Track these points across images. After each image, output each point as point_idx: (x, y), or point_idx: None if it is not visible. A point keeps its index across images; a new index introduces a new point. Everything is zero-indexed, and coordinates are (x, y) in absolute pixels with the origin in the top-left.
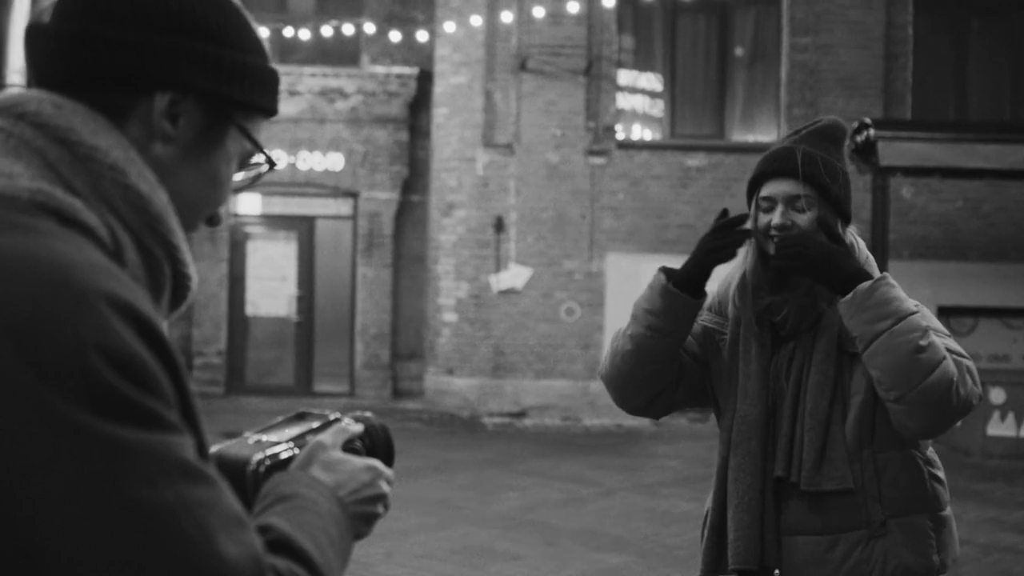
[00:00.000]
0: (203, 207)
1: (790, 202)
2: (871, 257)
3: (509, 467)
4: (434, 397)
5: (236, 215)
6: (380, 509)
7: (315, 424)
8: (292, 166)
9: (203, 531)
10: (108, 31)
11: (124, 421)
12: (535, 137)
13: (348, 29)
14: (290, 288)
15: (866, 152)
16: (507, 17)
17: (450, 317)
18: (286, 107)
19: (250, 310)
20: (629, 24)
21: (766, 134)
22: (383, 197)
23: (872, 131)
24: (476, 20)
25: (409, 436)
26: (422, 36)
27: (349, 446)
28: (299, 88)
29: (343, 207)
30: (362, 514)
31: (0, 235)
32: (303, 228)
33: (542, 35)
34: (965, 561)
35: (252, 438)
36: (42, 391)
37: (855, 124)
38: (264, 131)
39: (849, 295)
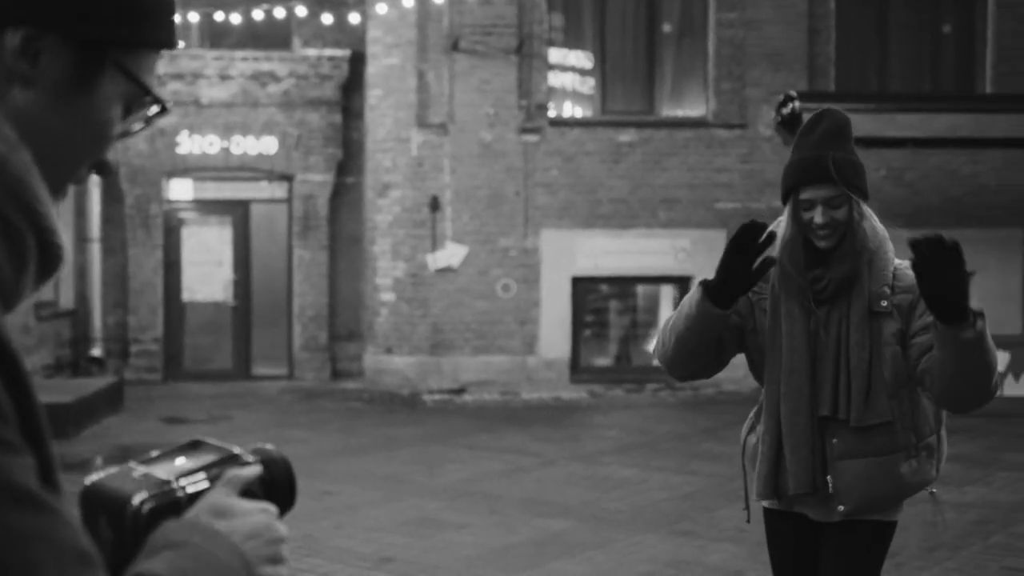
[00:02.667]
0: (77, 159)
1: (828, 202)
2: (884, 230)
3: (451, 441)
4: (374, 376)
5: (170, 201)
6: (284, 551)
7: (209, 458)
8: (226, 150)
9: (29, 568)
10: None
11: None
12: (468, 116)
13: (279, 12)
14: (226, 273)
15: (792, 124)
16: None
17: (388, 297)
18: (218, 92)
19: (186, 296)
20: (559, 2)
21: (695, 109)
22: (318, 179)
23: (798, 103)
24: (408, 1)
25: (351, 415)
26: (354, 18)
27: (246, 491)
28: (231, 72)
29: (278, 190)
30: (266, 557)
31: None
32: (238, 212)
33: (473, 15)
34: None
35: (138, 470)
36: None
37: (781, 97)
38: (197, 116)
39: (967, 334)
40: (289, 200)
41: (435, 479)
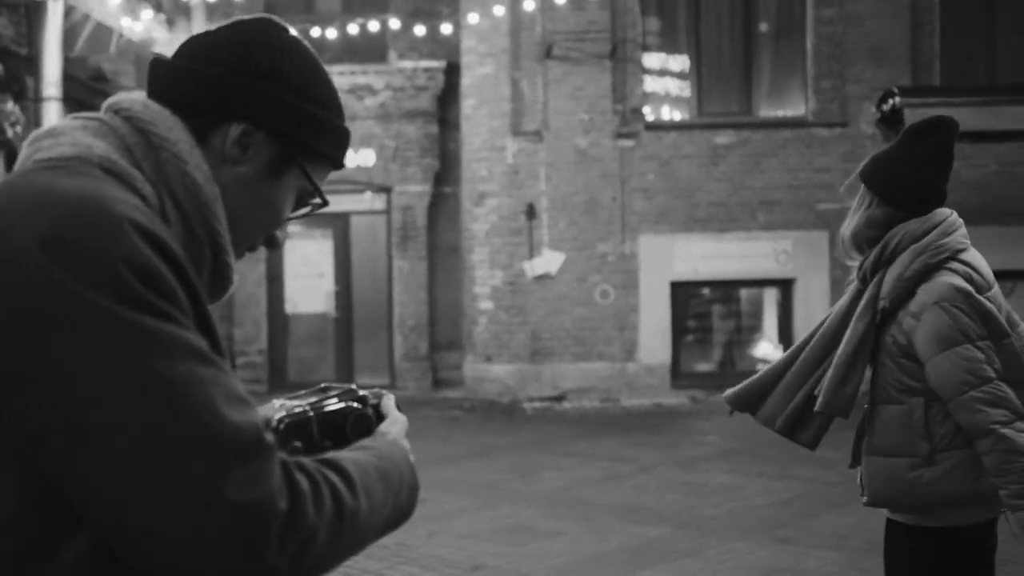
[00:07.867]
0: (257, 227)
1: None
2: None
3: (549, 449)
4: (474, 385)
5: None
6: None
7: (333, 393)
8: None
9: (209, 399)
10: (200, 68)
11: (146, 312)
12: (563, 123)
13: (374, 26)
14: (328, 284)
15: (893, 120)
16: (530, 5)
17: (486, 305)
18: None
19: (289, 308)
20: (652, 5)
21: (794, 108)
22: (416, 190)
23: (898, 99)
24: (499, 10)
25: (451, 424)
26: (447, 29)
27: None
28: None
29: (377, 202)
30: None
31: (65, 176)
32: (338, 225)
33: (566, 21)
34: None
35: (277, 403)
36: (80, 290)
37: (880, 93)
38: None
39: None
40: (388, 211)
41: (531, 486)
